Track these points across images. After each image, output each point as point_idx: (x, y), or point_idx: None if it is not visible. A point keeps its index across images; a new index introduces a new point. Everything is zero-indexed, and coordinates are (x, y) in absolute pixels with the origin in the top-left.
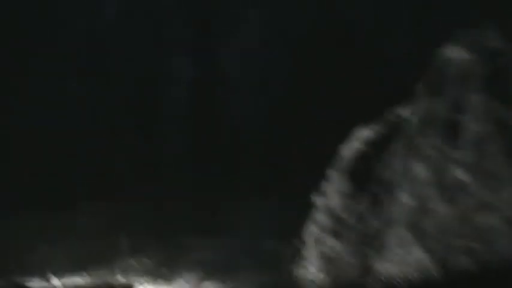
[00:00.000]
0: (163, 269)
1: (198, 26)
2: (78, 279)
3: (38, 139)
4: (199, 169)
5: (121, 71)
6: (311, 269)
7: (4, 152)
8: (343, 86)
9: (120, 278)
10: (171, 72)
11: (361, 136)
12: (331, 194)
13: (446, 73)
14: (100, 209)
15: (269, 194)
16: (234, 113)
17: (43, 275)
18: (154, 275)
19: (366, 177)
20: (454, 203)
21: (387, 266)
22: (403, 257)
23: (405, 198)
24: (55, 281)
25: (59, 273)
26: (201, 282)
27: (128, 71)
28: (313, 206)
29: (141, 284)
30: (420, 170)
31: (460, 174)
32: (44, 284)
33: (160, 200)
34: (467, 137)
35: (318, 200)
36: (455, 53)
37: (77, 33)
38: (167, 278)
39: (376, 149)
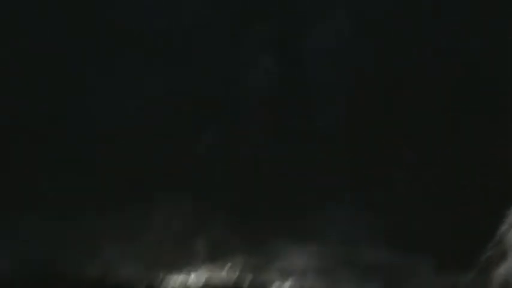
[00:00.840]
0: (248, 277)
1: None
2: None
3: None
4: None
5: (202, 69)
6: None
7: (87, 148)
8: None
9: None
10: (254, 71)
11: None
12: None
13: None
14: (177, 210)
15: (367, 193)
16: (322, 113)
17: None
18: (237, 284)
19: None
20: None
21: None
22: None
23: None
24: None
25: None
26: None
27: (209, 67)
28: None
29: None
30: None
31: None
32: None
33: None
34: None
35: None
36: None
37: (158, 29)
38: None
39: None
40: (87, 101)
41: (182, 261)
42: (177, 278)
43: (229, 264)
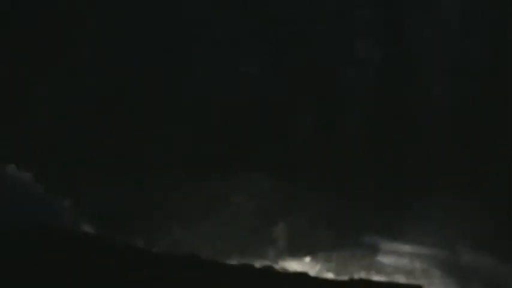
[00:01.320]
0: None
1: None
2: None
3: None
4: (383, 162)
5: (303, 51)
6: None
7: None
8: None
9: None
10: (356, 54)
11: None
12: None
13: None
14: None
15: (468, 194)
16: (424, 99)
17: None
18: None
19: None
20: None
21: None
22: None
23: None
24: None
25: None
26: None
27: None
28: None
29: None
30: None
31: None
32: None
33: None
34: None
35: None
36: None
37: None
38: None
39: None
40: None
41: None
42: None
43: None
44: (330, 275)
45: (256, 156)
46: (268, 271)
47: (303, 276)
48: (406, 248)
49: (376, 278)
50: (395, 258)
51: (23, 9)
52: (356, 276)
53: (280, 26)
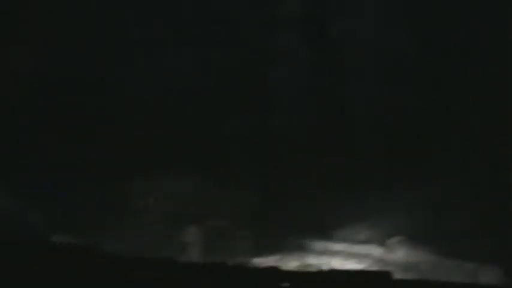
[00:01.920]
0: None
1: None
2: None
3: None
4: (314, 160)
5: (227, 45)
6: None
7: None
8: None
9: None
10: (278, 50)
11: None
12: None
13: None
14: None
15: (401, 189)
16: (351, 95)
17: None
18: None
19: None
20: None
21: None
22: None
23: None
24: None
25: None
26: None
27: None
28: None
29: None
30: None
31: None
32: None
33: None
34: None
35: None
36: None
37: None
38: None
39: None
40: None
41: None
42: None
43: None
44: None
45: (180, 157)
46: (238, 267)
47: (273, 269)
48: (338, 246)
49: None
50: (327, 258)
51: None
52: None
53: (200, 23)
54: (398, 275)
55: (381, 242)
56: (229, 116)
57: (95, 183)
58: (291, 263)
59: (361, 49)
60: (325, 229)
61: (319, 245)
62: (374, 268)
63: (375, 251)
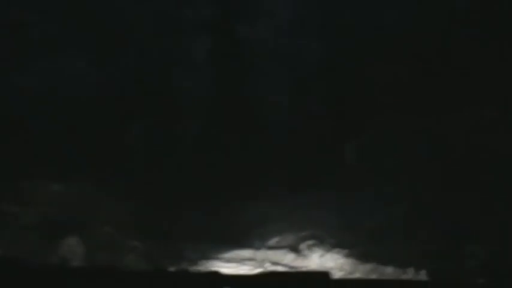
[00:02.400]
0: None
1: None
2: None
3: None
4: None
5: (136, 49)
6: None
7: None
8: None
9: None
10: (188, 52)
11: None
12: None
13: None
14: None
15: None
16: (262, 103)
17: None
18: None
19: None
20: None
21: None
22: None
23: None
24: None
25: None
26: None
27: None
28: None
29: None
30: None
31: None
32: None
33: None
34: None
35: None
36: None
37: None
38: None
39: None
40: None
41: None
42: None
43: None
44: None
45: (69, 164)
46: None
47: (214, 275)
48: (247, 253)
49: None
50: (236, 266)
51: None
52: None
53: (103, 27)
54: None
55: (293, 247)
56: (128, 123)
57: None
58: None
59: (266, 55)
60: (232, 236)
61: (227, 252)
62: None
63: (288, 256)
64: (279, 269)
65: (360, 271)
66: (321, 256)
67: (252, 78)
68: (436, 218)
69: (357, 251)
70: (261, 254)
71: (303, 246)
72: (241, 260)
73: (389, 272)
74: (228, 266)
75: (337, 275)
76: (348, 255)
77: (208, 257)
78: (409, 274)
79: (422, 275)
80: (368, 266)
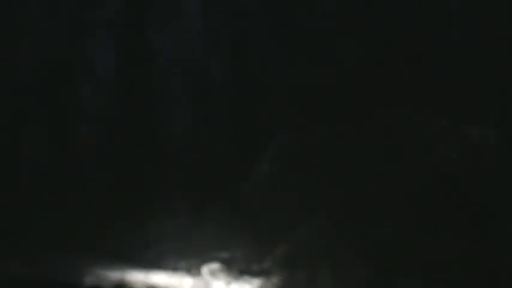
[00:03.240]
0: None
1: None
2: None
3: None
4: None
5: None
6: None
7: None
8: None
9: None
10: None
11: None
12: None
13: None
14: None
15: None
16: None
17: None
18: None
19: None
20: None
21: None
22: None
23: None
24: None
25: None
26: None
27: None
28: None
29: None
30: None
31: None
32: None
33: None
34: None
35: None
36: None
37: None
38: None
39: None
40: None
41: None
42: None
43: None
44: None
45: None
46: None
47: None
48: (139, 276)
49: None
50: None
51: None
52: None
53: None
54: None
55: (192, 270)
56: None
57: None
58: None
59: (174, 65)
60: (123, 255)
61: (113, 271)
62: None
63: (186, 281)
64: None
65: None
66: (227, 284)
67: (155, 84)
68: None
69: (270, 281)
70: (154, 276)
71: (204, 270)
72: (130, 283)
73: None
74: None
75: None
76: (258, 286)
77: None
78: None
79: None
80: None
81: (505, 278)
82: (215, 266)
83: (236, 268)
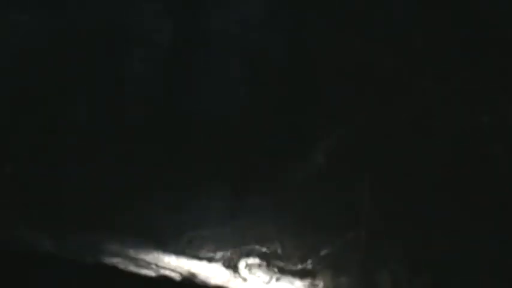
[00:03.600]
0: None
1: None
2: None
3: None
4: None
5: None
6: None
7: None
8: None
9: None
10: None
11: None
12: None
13: None
14: None
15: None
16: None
17: None
18: None
19: None
20: None
21: None
22: None
23: None
24: None
25: None
26: None
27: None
28: None
29: None
30: None
31: None
32: None
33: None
34: None
35: None
36: None
37: None
38: None
39: None
40: None
41: None
42: None
43: None
44: None
45: None
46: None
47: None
48: (171, 259)
49: None
50: (154, 271)
51: None
52: None
53: None
54: None
55: (229, 264)
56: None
57: None
58: None
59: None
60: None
61: (145, 254)
62: None
63: (222, 274)
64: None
65: None
66: (264, 283)
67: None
68: None
69: (315, 282)
70: (187, 263)
71: (241, 264)
72: (160, 267)
73: None
74: (141, 269)
75: None
76: (300, 287)
77: (117, 253)
78: None
79: None
80: None
81: None
82: (254, 261)
83: (276, 266)
